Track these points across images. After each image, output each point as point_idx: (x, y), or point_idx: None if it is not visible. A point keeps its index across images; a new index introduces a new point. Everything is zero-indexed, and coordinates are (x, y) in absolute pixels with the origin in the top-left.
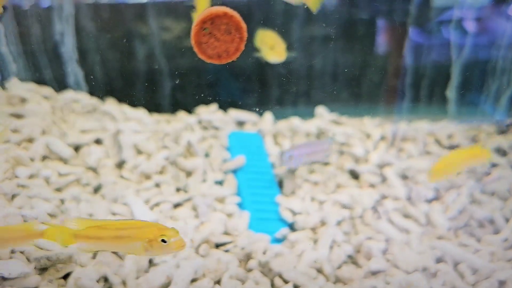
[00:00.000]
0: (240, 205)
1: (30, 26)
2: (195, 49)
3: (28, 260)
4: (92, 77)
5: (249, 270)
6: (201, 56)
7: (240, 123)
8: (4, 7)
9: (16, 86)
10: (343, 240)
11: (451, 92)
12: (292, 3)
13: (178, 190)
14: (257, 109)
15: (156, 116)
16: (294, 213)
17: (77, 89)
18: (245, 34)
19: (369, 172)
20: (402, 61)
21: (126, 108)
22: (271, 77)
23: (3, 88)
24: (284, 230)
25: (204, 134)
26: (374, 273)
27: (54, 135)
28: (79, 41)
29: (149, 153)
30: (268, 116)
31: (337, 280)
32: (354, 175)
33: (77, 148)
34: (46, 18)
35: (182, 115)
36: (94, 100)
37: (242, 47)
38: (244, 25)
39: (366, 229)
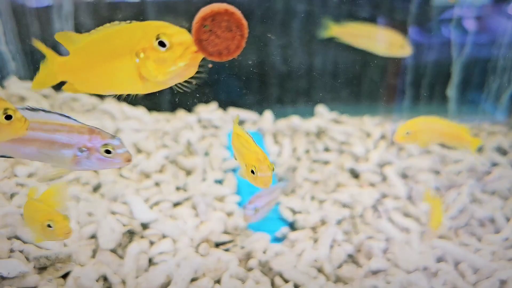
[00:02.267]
0: (240, 204)
1: (29, 24)
2: (196, 47)
3: (27, 259)
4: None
5: (249, 270)
6: (201, 53)
7: (240, 122)
8: None
9: (15, 85)
10: (344, 240)
11: (451, 91)
12: None
13: (177, 189)
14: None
15: (155, 115)
16: (294, 212)
17: None
18: (246, 32)
19: (369, 171)
20: (402, 60)
21: (125, 107)
22: (271, 76)
23: (2, 86)
24: (284, 229)
25: (203, 133)
26: (375, 273)
27: None
28: None
29: (148, 152)
30: (268, 115)
31: (338, 279)
32: (354, 174)
33: None
34: (45, 16)
35: (181, 114)
36: (93, 99)
37: (243, 45)
38: (245, 22)
39: (367, 228)
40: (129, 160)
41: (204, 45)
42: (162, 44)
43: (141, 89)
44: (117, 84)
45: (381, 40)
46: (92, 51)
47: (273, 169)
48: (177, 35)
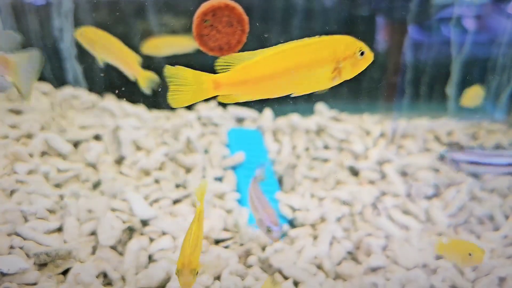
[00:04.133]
0: (240, 202)
1: (29, 21)
2: (197, 42)
3: (27, 255)
4: (91, 73)
5: (249, 266)
6: (202, 48)
7: (240, 120)
8: None
9: None
10: (343, 237)
11: (450, 89)
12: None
13: (177, 186)
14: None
15: (155, 113)
16: (293, 210)
17: (76, 85)
18: (247, 27)
19: (368, 169)
20: (401, 58)
21: (125, 104)
22: None
23: None
24: (284, 227)
25: (203, 130)
26: (374, 270)
27: (53, 131)
28: None
29: (148, 149)
30: (268, 112)
31: (337, 276)
32: (354, 171)
33: (76, 144)
34: (45, 14)
35: (181, 111)
36: (93, 96)
37: (244, 40)
38: (246, 17)
39: (366, 226)
40: None
41: (205, 40)
42: (362, 54)
43: (321, 87)
44: (306, 85)
45: None
46: (274, 63)
47: (197, 273)
48: (367, 48)
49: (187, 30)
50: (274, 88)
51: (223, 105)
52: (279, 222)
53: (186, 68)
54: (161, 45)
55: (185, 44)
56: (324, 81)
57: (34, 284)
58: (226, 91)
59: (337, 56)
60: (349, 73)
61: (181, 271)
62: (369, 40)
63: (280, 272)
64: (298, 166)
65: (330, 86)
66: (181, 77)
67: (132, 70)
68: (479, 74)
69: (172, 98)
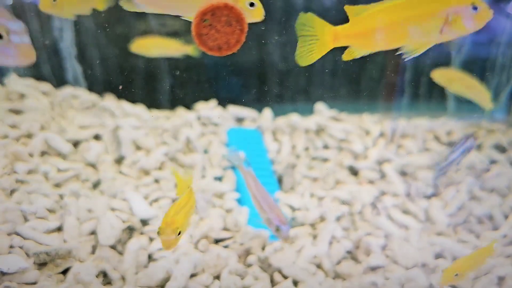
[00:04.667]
0: (239, 201)
1: (29, 21)
2: (196, 41)
3: (27, 255)
4: (90, 72)
5: (249, 266)
6: (201, 47)
7: (239, 120)
8: None
9: (15, 82)
10: (342, 236)
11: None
12: None
13: (177, 186)
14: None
15: (155, 112)
16: (293, 209)
17: (76, 85)
18: (246, 26)
19: (368, 169)
20: (401, 57)
21: (125, 104)
22: (270, 73)
23: (2, 83)
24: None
25: (203, 130)
26: (374, 269)
27: (53, 130)
28: (78, 36)
29: (148, 149)
30: (267, 112)
31: (336, 275)
32: (353, 171)
33: (76, 144)
34: (45, 14)
35: (181, 111)
36: (93, 96)
37: (243, 39)
38: (245, 17)
39: (365, 225)
40: None
41: (204, 39)
42: (474, 8)
43: (433, 42)
44: (418, 38)
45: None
46: (389, 15)
47: (179, 233)
48: (483, 3)
49: (186, 29)
50: (389, 39)
51: (223, 104)
52: (287, 221)
53: (314, 16)
54: (149, 46)
55: (173, 47)
56: (435, 35)
57: (34, 283)
58: (344, 43)
59: (449, 9)
60: (461, 28)
61: (163, 229)
62: None
63: (280, 271)
64: (297, 165)
65: (442, 41)
66: (309, 26)
67: (85, 3)
68: (478, 73)
69: (299, 56)
